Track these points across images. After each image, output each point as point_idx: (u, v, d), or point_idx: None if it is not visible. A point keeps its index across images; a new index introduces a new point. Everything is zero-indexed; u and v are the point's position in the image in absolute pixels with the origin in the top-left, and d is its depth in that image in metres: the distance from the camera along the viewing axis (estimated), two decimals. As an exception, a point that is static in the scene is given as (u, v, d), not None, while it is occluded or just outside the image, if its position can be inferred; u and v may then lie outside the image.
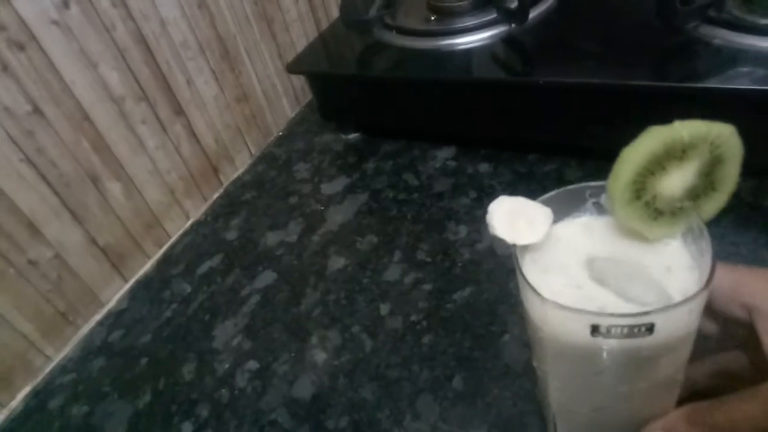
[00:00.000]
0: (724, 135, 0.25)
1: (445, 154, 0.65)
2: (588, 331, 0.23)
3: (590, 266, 0.27)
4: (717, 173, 0.26)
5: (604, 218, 0.29)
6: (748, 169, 0.45)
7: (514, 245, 0.27)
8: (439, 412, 0.41)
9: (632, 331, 0.23)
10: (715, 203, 0.27)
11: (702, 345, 0.28)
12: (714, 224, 0.47)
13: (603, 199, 0.29)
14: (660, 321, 0.23)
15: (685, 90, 0.48)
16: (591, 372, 0.26)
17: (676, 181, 0.26)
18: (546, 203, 0.28)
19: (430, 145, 0.67)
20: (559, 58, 0.55)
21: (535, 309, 0.26)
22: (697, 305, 0.24)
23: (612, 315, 0.23)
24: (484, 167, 0.61)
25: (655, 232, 0.27)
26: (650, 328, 0.23)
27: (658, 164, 0.25)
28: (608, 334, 0.23)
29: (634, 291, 0.26)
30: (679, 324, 0.24)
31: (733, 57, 0.48)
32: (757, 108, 0.46)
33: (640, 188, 0.26)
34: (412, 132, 0.69)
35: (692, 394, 0.28)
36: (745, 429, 0.23)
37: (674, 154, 0.25)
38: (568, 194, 0.29)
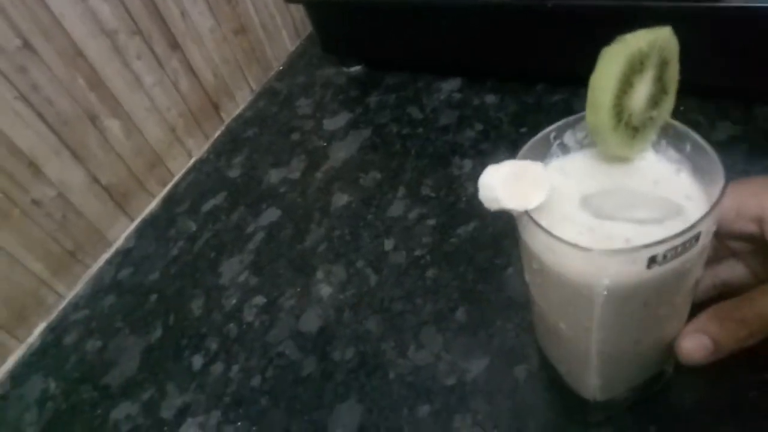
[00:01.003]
0: (667, 37, 0.26)
1: (450, 86, 0.63)
2: (644, 265, 0.23)
3: (588, 206, 0.26)
4: (666, 75, 0.26)
5: (572, 156, 0.29)
6: (763, 98, 0.43)
7: (524, 212, 0.25)
8: (443, 343, 0.42)
9: (684, 248, 0.23)
10: (668, 105, 0.27)
11: None
12: (726, 152, 0.46)
13: (567, 137, 0.28)
14: (704, 227, 0.23)
15: (702, 10, 0.45)
16: (639, 306, 0.26)
17: (641, 93, 0.26)
18: (525, 158, 0.27)
19: (434, 77, 0.65)
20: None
21: (576, 266, 0.24)
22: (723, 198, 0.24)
23: (666, 240, 0.22)
24: (490, 99, 0.60)
25: (634, 150, 0.27)
26: (697, 238, 0.23)
27: (627, 82, 0.25)
28: (664, 260, 0.23)
29: (643, 213, 0.25)
30: (712, 224, 0.24)
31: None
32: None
33: (618, 111, 0.25)
34: (417, 64, 0.67)
35: (693, 307, 0.28)
36: None
37: (636, 68, 0.25)
38: (536, 144, 0.28)
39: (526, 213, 0.25)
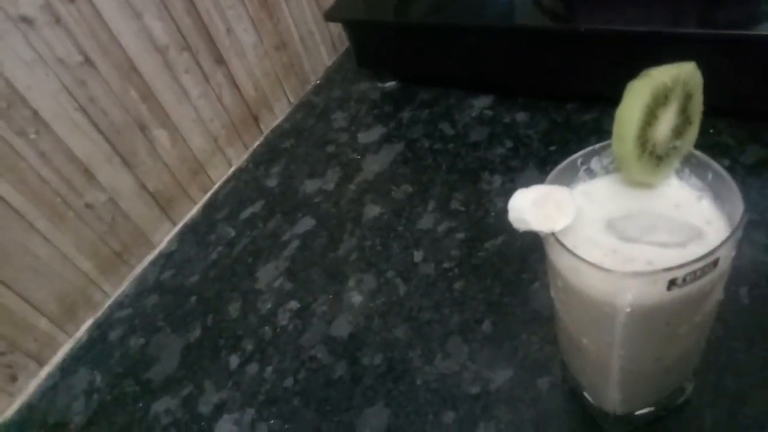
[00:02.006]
0: (691, 72, 0.27)
1: (481, 103, 0.65)
2: (665, 287, 0.24)
3: (612, 229, 0.27)
4: (690, 108, 0.28)
5: (597, 181, 0.30)
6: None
7: (551, 233, 0.26)
8: (468, 353, 0.43)
9: (703, 272, 0.24)
10: (693, 134, 0.29)
11: None
12: (754, 175, 0.47)
13: (593, 163, 0.30)
14: (722, 253, 0.24)
15: (734, 37, 0.46)
16: (660, 324, 0.27)
17: (665, 125, 0.27)
18: (553, 182, 0.29)
19: (466, 94, 0.67)
20: (602, 5, 0.53)
21: (598, 286, 0.26)
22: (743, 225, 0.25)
23: (685, 265, 0.23)
24: (521, 116, 0.61)
25: (658, 177, 0.29)
26: (716, 263, 0.24)
27: (651, 114, 0.26)
28: (684, 283, 0.24)
29: (665, 237, 0.27)
30: (731, 249, 0.25)
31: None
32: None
33: (643, 142, 0.27)
34: (449, 80, 0.69)
35: None
36: None
37: (660, 101, 0.26)
38: (564, 169, 0.29)
39: (553, 235, 0.26)
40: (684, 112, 0.28)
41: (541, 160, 0.56)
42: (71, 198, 0.54)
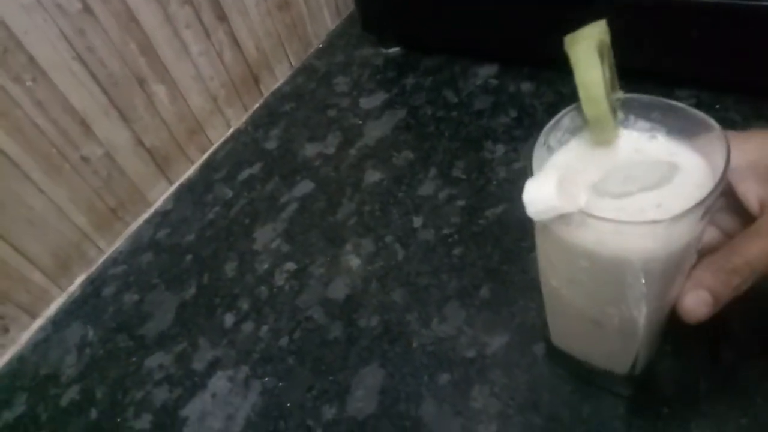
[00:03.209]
0: (605, 26, 0.28)
1: (487, 72, 0.64)
2: (700, 217, 0.24)
3: (603, 192, 0.27)
4: (610, 60, 0.29)
5: (559, 155, 0.30)
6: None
7: (579, 212, 0.25)
8: (465, 318, 0.43)
9: (720, 190, 0.24)
10: (617, 83, 0.29)
11: None
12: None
13: (551, 139, 0.30)
14: (730, 165, 0.25)
15: (749, 8, 0.45)
16: (683, 262, 0.27)
17: (606, 78, 0.27)
18: (539, 166, 0.28)
19: (472, 62, 0.66)
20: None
21: (640, 244, 0.25)
22: None
23: (716, 188, 0.24)
24: (526, 86, 0.60)
25: (616, 130, 0.29)
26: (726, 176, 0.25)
27: (602, 71, 0.27)
28: (712, 207, 0.24)
29: (649, 180, 0.27)
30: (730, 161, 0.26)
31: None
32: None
33: (607, 99, 0.27)
34: (455, 47, 0.68)
35: None
36: (759, 263, 0.26)
37: (601, 58, 0.27)
38: (537, 152, 0.29)
39: (582, 212, 0.25)
40: (610, 66, 0.28)
41: (545, 130, 0.55)
42: (67, 150, 0.53)
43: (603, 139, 0.30)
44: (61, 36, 0.50)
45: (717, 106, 0.51)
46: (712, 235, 0.31)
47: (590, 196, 0.28)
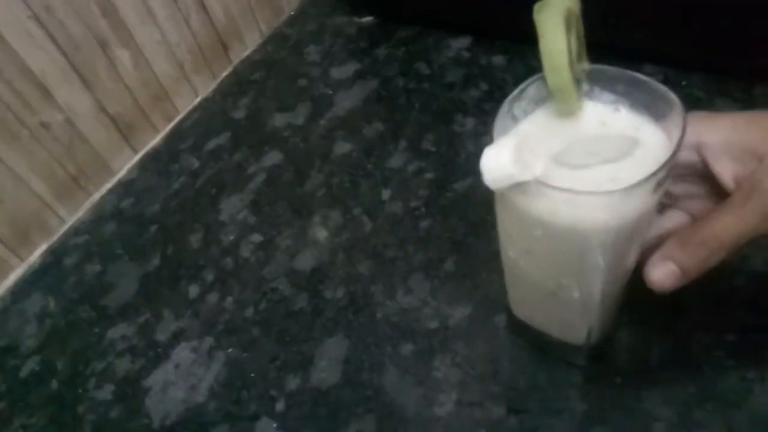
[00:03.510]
0: None
1: (459, 44, 0.63)
2: (652, 190, 0.25)
3: (562, 163, 0.27)
4: (579, 30, 0.28)
5: (523, 124, 0.30)
6: (765, 77, 0.43)
7: (535, 180, 0.25)
8: (430, 290, 0.43)
9: (674, 165, 0.25)
10: (585, 54, 0.29)
11: None
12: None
13: (515, 109, 0.29)
14: (684, 140, 0.25)
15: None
16: (638, 234, 0.28)
17: (573, 49, 0.27)
18: (500, 135, 0.28)
19: (445, 34, 0.65)
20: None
21: (593, 214, 0.25)
22: None
23: (667, 162, 0.24)
24: (498, 60, 0.60)
25: (580, 102, 0.29)
26: (680, 151, 0.25)
27: (567, 40, 0.26)
28: (664, 181, 0.25)
29: (610, 153, 0.27)
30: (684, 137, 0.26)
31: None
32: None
33: (571, 69, 0.27)
34: (428, 18, 0.67)
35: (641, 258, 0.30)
36: (730, 236, 0.26)
37: (568, 27, 0.27)
38: (500, 120, 0.29)
39: (537, 180, 0.25)
40: (578, 36, 0.28)
41: (515, 104, 0.55)
42: (25, 115, 0.51)
43: (566, 110, 0.29)
44: (15, -7, 0.48)
45: (684, 83, 0.51)
46: (680, 220, 0.32)
47: (549, 165, 0.28)
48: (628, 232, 0.27)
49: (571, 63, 0.27)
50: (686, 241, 0.27)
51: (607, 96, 0.29)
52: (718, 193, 0.29)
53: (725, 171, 0.28)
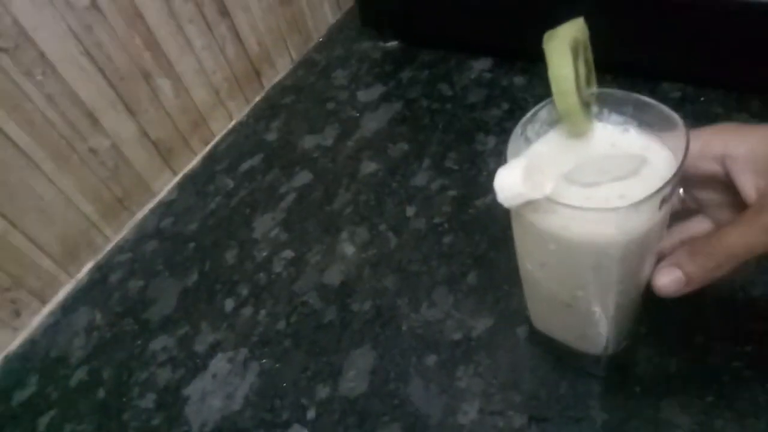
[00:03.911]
0: (582, 25, 0.30)
1: (481, 66, 0.66)
2: (657, 207, 0.26)
3: (573, 181, 0.29)
4: (587, 56, 0.30)
5: (536, 145, 0.32)
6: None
7: (545, 198, 0.27)
8: (453, 303, 0.45)
9: (678, 183, 0.26)
10: (593, 79, 0.31)
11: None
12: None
13: (529, 131, 0.31)
14: (687, 160, 0.26)
15: (733, 5, 0.47)
16: (647, 247, 0.29)
17: (581, 75, 0.29)
18: (514, 154, 0.30)
19: (467, 56, 0.67)
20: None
21: (602, 229, 0.27)
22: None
23: (671, 180, 0.25)
24: (518, 80, 0.62)
25: (589, 123, 0.31)
26: (683, 169, 0.26)
27: (575, 67, 0.28)
28: (669, 198, 0.26)
29: (618, 172, 0.29)
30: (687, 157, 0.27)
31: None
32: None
33: (578, 94, 0.29)
34: (450, 41, 0.69)
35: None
36: (736, 249, 0.27)
37: (575, 55, 0.28)
38: (513, 142, 0.31)
39: (548, 198, 0.27)
40: (586, 62, 0.30)
41: (536, 123, 0.57)
42: (76, 141, 0.55)
43: (576, 131, 0.31)
44: (69, 31, 0.52)
45: (702, 99, 0.52)
46: (705, 226, 0.32)
47: (561, 183, 0.30)
48: (637, 246, 0.28)
49: (578, 88, 0.29)
50: (695, 251, 0.28)
51: (616, 117, 0.31)
52: (741, 203, 0.29)
53: (748, 184, 0.28)
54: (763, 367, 0.35)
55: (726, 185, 0.29)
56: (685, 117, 0.28)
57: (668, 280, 0.28)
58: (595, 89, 0.31)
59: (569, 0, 0.54)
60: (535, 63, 0.62)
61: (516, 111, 0.59)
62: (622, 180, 0.29)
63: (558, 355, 0.39)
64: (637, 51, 0.52)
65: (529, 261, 0.34)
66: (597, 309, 0.32)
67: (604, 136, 0.31)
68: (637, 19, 0.52)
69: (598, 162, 0.30)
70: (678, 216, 0.33)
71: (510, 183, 0.27)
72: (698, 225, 0.33)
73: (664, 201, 0.26)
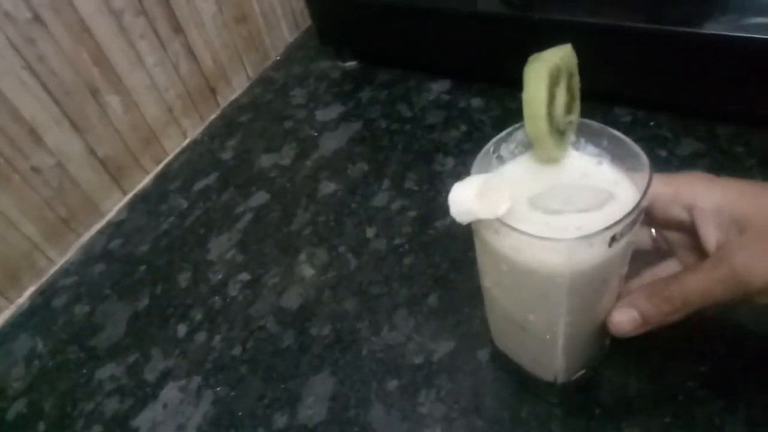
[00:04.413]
0: (570, 52, 0.30)
1: (439, 87, 0.66)
2: (607, 244, 0.26)
3: (536, 206, 0.29)
4: (572, 85, 0.30)
5: (508, 165, 0.32)
6: (727, 118, 0.47)
7: (496, 219, 0.27)
8: (414, 325, 0.45)
9: (634, 222, 0.26)
10: (577, 108, 0.31)
11: (636, 260, 0.32)
12: (689, 168, 0.50)
13: (502, 149, 0.32)
14: (645, 203, 0.26)
15: (681, 34, 0.49)
16: (599, 283, 0.29)
17: (560, 102, 0.29)
18: (480, 172, 0.30)
19: (425, 77, 0.68)
20: (559, -4, 0.55)
21: (549, 258, 0.27)
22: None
23: (622, 219, 0.25)
24: (476, 102, 0.63)
25: (562, 150, 0.31)
26: (641, 212, 0.26)
27: (551, 93, 0.28)
28: (621, 237, 0.26)
29: (583, 203, 0.29)
30: (647, 201, 0.27)
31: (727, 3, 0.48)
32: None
33: (550, 119, 0.29)
34: (409, 62, 0.70)
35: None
36: (693, 297, 0.27)
37: (555, 81, 0.29)
38: (481, 159, 0.31)
39: (498, 220, 0.27)
40: (569, 90, 0.30)
41: (494, 144, 0.57)
42: (17, 160, 0.53)
43: (545, 156, 0.31)
44: (8, 44, 0.50)
45: (651, 123, 0.54)
46: (672, 270, 0.33)
47: (523, 206, 0.30)
48: (587, 279, 0.28)
49: (551, 114, 0.29)
50: (653, 293, 0.29)
51: (592, 149, 0.31)
52: (704, 248, 0.29)
53: (710, 236, 0.28)
54: (716, 386, 0.36)
55: (694, 232, 0.30)
56: (636, 140, 0.29)
57: (624, 318, 0.29)
58: (574, 118, 0.31)
59: (525, 27, 0.56)
60: (492, 85, 0.64)
61: (473, 132, 0.59)
62: (585, 212, 0.29)
63: (517, 378, 0.39)
64: (589, 76, 0.53)
65: (487, 278, 0.34)
66: (548, 336, 0.32)
67: (579, 165, 0.31)
68: (589, 45, 0.54)
69: (567, 190, 0.30)
70: (650, 256, 0.34)
71: (463, 199, 0.27)
72: (669, 268, 0.33)
73: (614, 239, 0.26)
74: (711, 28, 0.47)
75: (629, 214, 0.25)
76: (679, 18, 0.50)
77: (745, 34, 0.46)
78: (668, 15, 0.51)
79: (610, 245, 0.26)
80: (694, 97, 0.52)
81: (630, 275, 0.32)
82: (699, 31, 0.48)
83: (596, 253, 0.26)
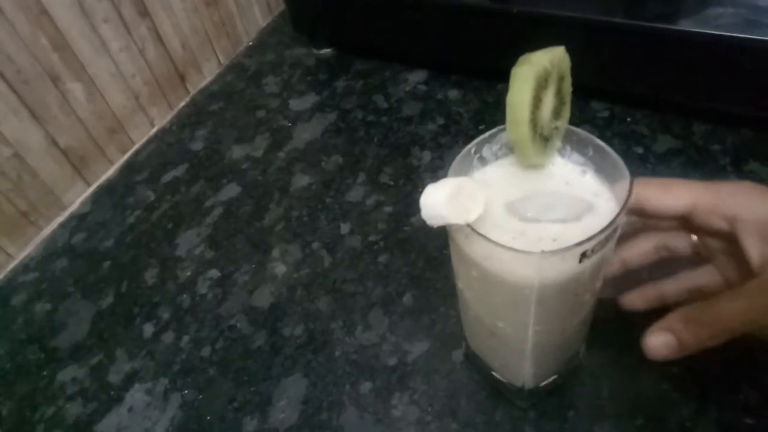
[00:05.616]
0: (562, 55, 0.29)
1: (416, 78, 0.65)
2: (577, 260, 0.25)
3: (514, 212, 0.28)
4: (563, 89, 0.29)
5: (490, 167, 0.31)
6: (702, 115, 0.46)
7: (466, 225, 0.26)
8: (388, 325, 0.44)
9: (607, 240, 0.25)
10: (567, 114, 0.30)
11: (674, 263, 0.32)
12: (665, 165, 0.50)
13: (485, 151, 0.31)
14: (620, 221, 0.26)
15: (659, 30, 0.48)
16: (570, 296, 0.28)
17: (547, 107, 0.28)
18: (456, 174, 0.29)
19: (402, 67, 0.66)
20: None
21: (518, 269, 0.26)
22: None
23: (594, 236, 0.24)
24: (453, 94, 0.62)
25: (547, 157, 0.30)
26: (615, 230, 0.26)
27: (537, 98, 0.27)
28: (592, 254, 0.25)
29: (561, 213, 0.28)
30: (623, 217, 0.26)
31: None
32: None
33: (534, 124, 0.28)
34: (386, 52, 0.68)
35: (662, 310, 0.30)
36: (733, 324, 0.26)
37: (542, 85, 0.28)
38: (461, 160, 0.30)
39: (468, 226, 0.26)
40: (559, 94, 0.29)
41: (470, 138, 0.55)
42: (-31, 151, 0.50)
43: (526, 162, 0.30)
44: (-40, 29, 0.47)
45: (628, 119, 0.54)
46: (713, 279, 0.32)
47: (500, 211, 0.29)
48: (557, 292, 0.27)
49: (535, 118, 0.28)
50: (691, 318, 0.27)
51: (577, 157, 0.30)
52: (747, 261, 0.28)
53: (754, 249, 0.27)
54: (688, 388, 0.36)
55: (735, 241, 0.28)
56: (612, 136, 0.28)
57: (660, 342, 0.27)
58: (561, 124, 0.30)
59: (503, 20, 0.55)
60: (470, 77, 0.63)
61: (451, 126, 0.58)
62: (563, 223, 0.28)
63: (489, 381, 0.39)
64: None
65: (460, 280, 0.33)
66: (516, 343, 0.31)
67: (563, 173, 0.31)
68: (568, 39, 0.53)
69: (547, 198, 0.29)
70: (689, 261, 0.33)
71: (434, 203, 0.26)
72: (706, 276, 0.32)
73: (584, 256, 0.25)
74: (687, 25, 0.47)
75: (602, 231, 0.25)
76: (657, 14, 0.49)
77: (720, 32, 0.45)
78: (646, 11, 0.51)
79: (580, 261, 0.25)
80: (671, 93, 0.52)
81: (665, 276, 0.32)
82: (675, 27, 0.47)
83: (567, 267, 0.26)
